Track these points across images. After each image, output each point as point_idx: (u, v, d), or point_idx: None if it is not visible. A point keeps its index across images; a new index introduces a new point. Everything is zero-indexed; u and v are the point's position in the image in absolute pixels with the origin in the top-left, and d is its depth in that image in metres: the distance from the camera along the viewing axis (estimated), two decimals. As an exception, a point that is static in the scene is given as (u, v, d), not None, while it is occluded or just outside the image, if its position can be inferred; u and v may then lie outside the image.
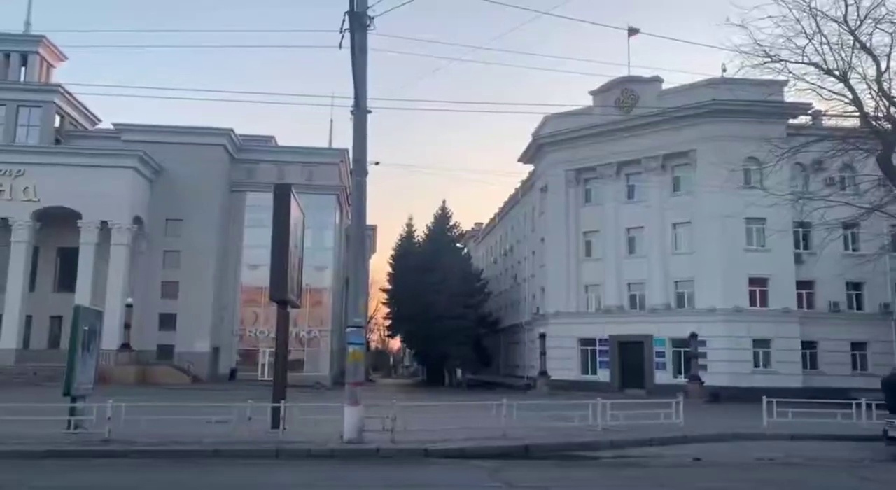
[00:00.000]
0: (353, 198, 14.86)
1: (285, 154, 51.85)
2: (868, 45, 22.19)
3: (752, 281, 36.96)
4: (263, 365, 47.98)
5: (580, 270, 42.70)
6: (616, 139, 41.25)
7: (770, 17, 22.79)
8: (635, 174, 41.55)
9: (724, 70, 33.93)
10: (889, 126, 22.70)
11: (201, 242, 47.60)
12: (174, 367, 44.13)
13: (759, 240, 37.24)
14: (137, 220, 46.26)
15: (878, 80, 22.31)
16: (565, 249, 43.09)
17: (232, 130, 49.37)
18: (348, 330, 14.41)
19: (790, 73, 23.10)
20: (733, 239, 37.01)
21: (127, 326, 43.02)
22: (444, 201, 59.57)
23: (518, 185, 56.72)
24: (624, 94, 41.18)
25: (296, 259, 16.76)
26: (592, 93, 42.65)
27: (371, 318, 79.62)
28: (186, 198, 47.56)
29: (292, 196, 16.04)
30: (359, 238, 15.00)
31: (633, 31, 37.54)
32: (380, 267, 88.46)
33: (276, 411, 14.61)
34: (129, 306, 43.14)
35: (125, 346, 42.84)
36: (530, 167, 50.92)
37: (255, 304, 49.17)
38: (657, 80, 40.18)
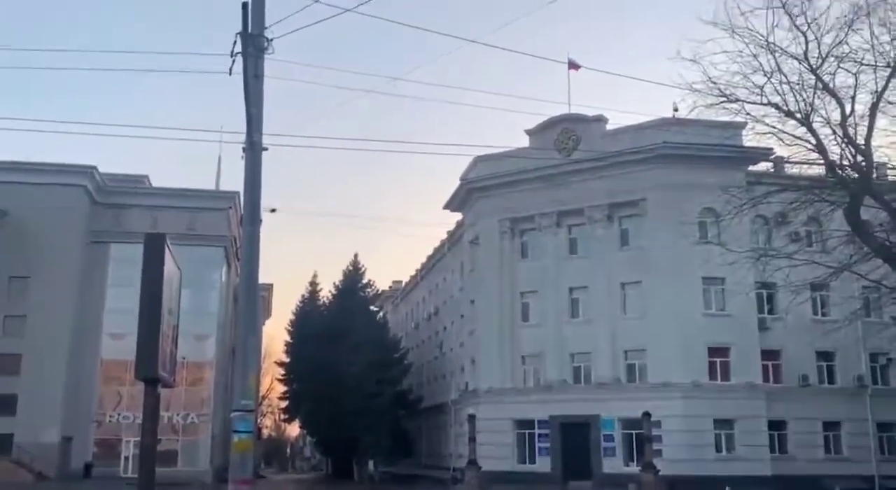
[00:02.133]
0: (244, 251, 14.58)
1: (161, 197, 50.96)
2: (831, 85, 23.44)
3: (712, 351, 38.05)
4: (127, 458, 46.35)
5: (516, 338, 43.04)
6: (556, 185, 42.31)
7: (725, 51, 23.81)
8: (578, 225, 42.60)
9: (676, 109, 35.32)
10: (855, 175, 23.86)
11: (52, 305, 45.93)
12: (12, 462, 42.24)
13: (718, 303, 38.51)
14: (-30, 277, 44.34)
15: (843, 125, 23.42)
16: (499, 313, 43.44)
17: (95, 168, 48.31)
18: (233, 415, 13.94)
19: (748, 114, 24.05)
20: (689, 302, 38.15)
21: (-49, 411, 40.73)
22: (355, 255, 59.34)
23: (444, 236, 57.22)
24: (564, 134, 42.47)
25: (170, 326, 16.21)
26: (529, 132, 43.79)
27: (263, 398, 77.97)
28: (35, 250, 46.01)
29: (167, 248, 15.59)
30: (249, 299, 14.67)
31: (573, 65, 38.99)
32: (276, 335, 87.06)
33: (140, 517, 13.89)
34: (-46, 386, 40.93)
35: (-53, 436, 40.50)
36: (458, 216, 51.53)
37: (119, 381, 47.50)
38: (601, 120, 41.49)
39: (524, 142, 43.88)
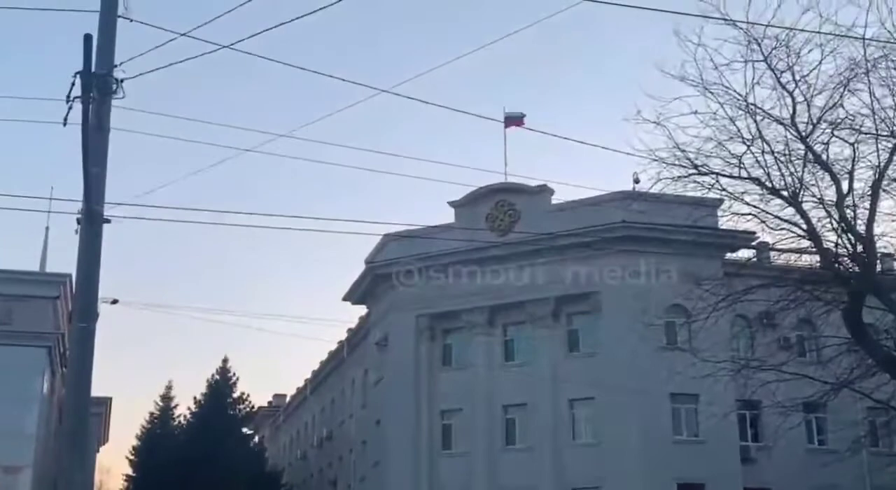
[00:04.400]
0: (74, 354, 14.26)
1: (-33, 280, 49.58)
2: (824, 157, 24.11)
3: (683, 488, 38.23)
4: None
5: (434, 471, 42.62)
6: (488, 272, 42.43)
7: (695, 113, 24.30)
8: (516, 324, 42.86)
9: (637, 181, 35.92)
10: (856, 269, 24.42)
11: None
12: None
13: (690, 426, 38.93)
14: None
15: (839, 206, 23.84)
16: (413, 438, 43.02)
17: None
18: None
19: (724, 189, 24.57)
20: (655, 425, 38.41)
21: None
22: (224, 361, 58.46)
23: (344, 336, 56.80)
24: (499, 208, 42.93)
25: (-32, 454, 15.66)
26: (454, 204, 44.02)
27: (95, 551, 75.07)
28: None
29: (-30, 350, 15.19)
30: (79, 419, 14.26)
31: (512, 121, 39.57)
32: (114, 466, 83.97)
33: None
34: None
35: None
36: (362, 310, 51.33)
37: None
38: (545, 191, 41.95)
39: (448, 217, 44.27)
